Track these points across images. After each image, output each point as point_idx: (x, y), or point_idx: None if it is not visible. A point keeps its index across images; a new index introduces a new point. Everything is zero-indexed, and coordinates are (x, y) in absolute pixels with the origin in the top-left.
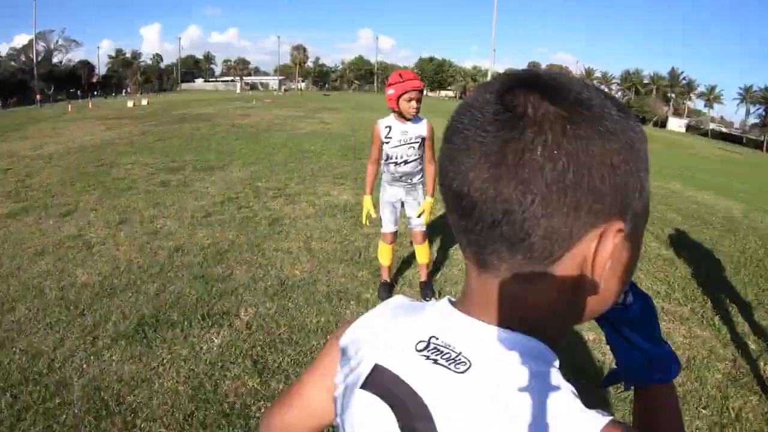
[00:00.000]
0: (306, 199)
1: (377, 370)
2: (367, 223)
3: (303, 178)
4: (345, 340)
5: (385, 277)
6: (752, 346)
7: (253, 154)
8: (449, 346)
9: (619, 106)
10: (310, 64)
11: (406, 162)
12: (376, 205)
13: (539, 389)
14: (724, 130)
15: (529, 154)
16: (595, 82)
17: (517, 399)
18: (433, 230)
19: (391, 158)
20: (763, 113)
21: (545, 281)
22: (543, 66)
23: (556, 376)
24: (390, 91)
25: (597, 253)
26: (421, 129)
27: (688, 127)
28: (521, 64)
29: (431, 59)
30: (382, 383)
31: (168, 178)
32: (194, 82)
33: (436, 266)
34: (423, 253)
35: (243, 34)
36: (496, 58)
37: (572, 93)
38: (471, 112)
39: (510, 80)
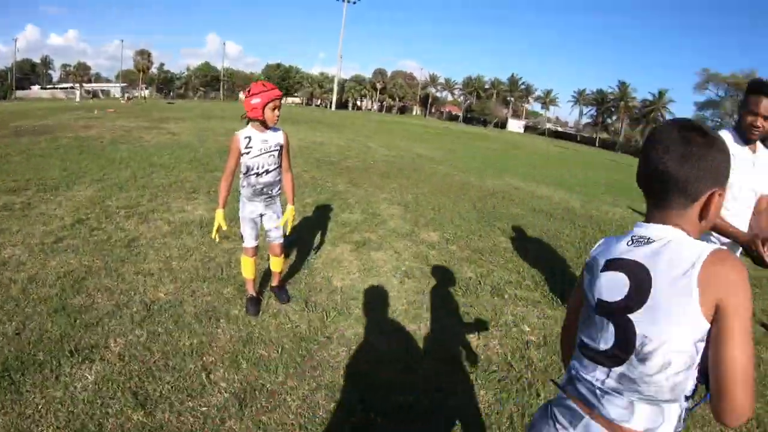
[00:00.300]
0: (160, 217)
1: (609, 261)
2: (217, 238)
3: (155, 194)
4: (589, 260)
5: (251, 291)
6: None
7: (100, 169)
8: (642, 237)
9: (722, 139)
10: (154, 70)
11: (267, 171)
12: (234, 219)
13: (683, 241)
14: (559, 129)
15: (694, 158)
16: (438, 86)
17: (676, 245)
18: (292, 242)
19: (252, 169)
20: (595, 113)
21: (690, 210)
22: (388, 72)
23: (689, 237)
24: (255, 100)
25: (711, 202)
26: (279, 137)
27: (527, 128)
28: (368, 71)
29: (278, 66)
30: (614, 265)
31: (10, 200)
32: (30, 89)
33: (297, 274)
34: (278, 264)
35: (84, 36)
36: (343, 64)
37: (709, 135)
38: (665, 135)
39: (683, 124)
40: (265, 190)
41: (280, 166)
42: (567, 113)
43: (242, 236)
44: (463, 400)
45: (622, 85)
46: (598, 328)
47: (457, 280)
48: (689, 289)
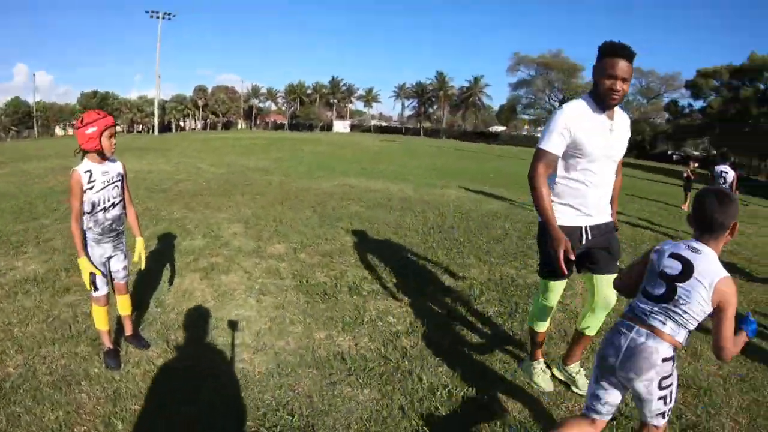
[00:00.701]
0: None
1: (673, 253)
2: (92, 288)
3: None
4: (658, 248)
5: (108, 343)
6: (456, 295)
7: None
8: (695, 248)
9: (735, 196)
10: None
11: (113, 205)
12: (72, 268)
13: (714, 260)
14: (384, 124)
15: (726, 209)
16: (261, 97)
17: (711, 261)
18: (137, 281)
19: (98, 205)
20: (417, 105)
21: (720, 239)
22: (209, 88)
23: (716, 258)
24: (91, 129)
25: (733, 232)
26: (118, 167)
27: (353, 127)
28: (188, 89)
29: (95, 93)
30: (675, 256)
31: None
32: None
33: (150, 315)
34: (126, 304)
35: None
36: (162, 84)
37: (731, 196)
38: (710, 198)
39: (718, 192)
40: (113, 226)
41: (123, 199)
42: (390, 108)
43: (93, 284)
44: (350, 403)
45: (440, 76)
46: (657, 284)
47: (314, 287)
48: (710, 288)
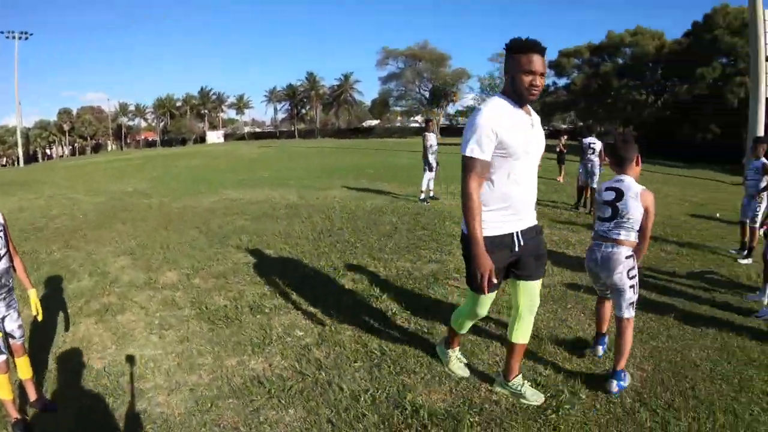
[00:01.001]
0: None
1: (607, 188)
2: None
3: None
4: (597, 195)
5: (14, 413)
6: (358, 297)
7: None
8: (620, 179)
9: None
10: None
11: (0, 258)
12: None
13: (633, 183)
14: (258, 130)
15: (629, 147)
16: (129, 114)
17: (631, 181)
18: (27, 338)
19: None
20: (289, 108)
21: (630, 168)
22: (74, 111)
23: (634, 181)
24: None
25: (638, 162)
26: None
27: (226, 136)
28: (52, 114)
29: None
30: (610, 188)
31: None
32: None
33: (51, 374)
34: (27, 367)
35: None
36: (23, 111)
37: (629, 137)
38: (618, 141)
39: (623, 136)
40: (3, 281)
41: (9, 250)
42: (263, 113)
43: None
44: (278, 427)
45: (311, 76)
46: (604, 210)
47: (214, 312)
48: (637, 198)
